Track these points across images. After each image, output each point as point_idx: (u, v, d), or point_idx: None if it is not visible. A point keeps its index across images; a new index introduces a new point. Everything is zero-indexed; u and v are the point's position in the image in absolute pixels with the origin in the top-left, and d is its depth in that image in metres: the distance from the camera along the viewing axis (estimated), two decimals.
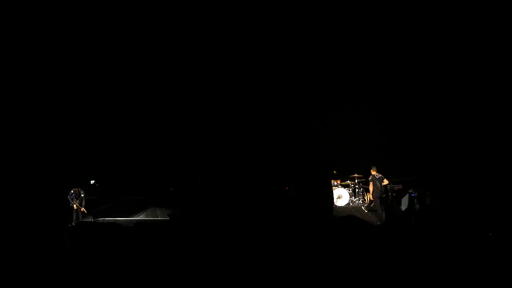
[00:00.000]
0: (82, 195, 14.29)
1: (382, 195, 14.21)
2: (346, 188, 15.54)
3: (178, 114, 16.99)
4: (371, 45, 14.86)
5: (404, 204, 13.90)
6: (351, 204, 15.17)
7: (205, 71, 16.00)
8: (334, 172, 15.55)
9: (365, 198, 14.98)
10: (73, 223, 13.53)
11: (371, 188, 14.25)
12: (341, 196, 15.15)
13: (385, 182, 14.14)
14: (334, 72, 15.78)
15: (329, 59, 15.38)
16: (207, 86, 16.61)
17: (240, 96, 16.55)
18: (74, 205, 14.01)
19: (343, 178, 15.98)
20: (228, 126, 17.13)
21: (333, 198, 14.84)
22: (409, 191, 14.19)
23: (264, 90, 16.31)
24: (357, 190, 15.58)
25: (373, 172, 14.26)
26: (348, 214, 13.66)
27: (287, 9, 14.33)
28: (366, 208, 14.46)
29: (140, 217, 15.94)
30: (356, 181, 15.63)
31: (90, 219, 14.42)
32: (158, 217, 15.89)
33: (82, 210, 14.14)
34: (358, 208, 14.69)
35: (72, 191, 14.18)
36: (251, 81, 16.09)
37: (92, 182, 17.38)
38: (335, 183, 15.66)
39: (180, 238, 7.74)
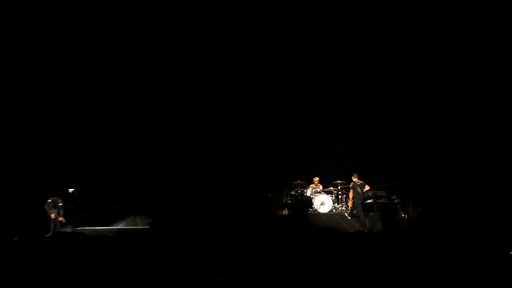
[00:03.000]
0: (60, 204, 13.82)
1: (364, 201, 14.41)
2: (329, 195, 15.69)
3: (160, 120, 16.72)
4: (358, 52, 14.92)
5: None
6: (334, 210, 15.44)
7: (185, 77, 16.13)
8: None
9: (348, 204, 14.91)
10: (50, 233, 12.92)
11: (350, 195, 14.63)
12: (324, 203, 15.31)
13: (367, 188, 14.44)
14: (319, 77, 15.77)
15: (315, 65, 15.49)
16: (188, 92, 16.32)
17: (222, 101, 16.45)
18: (52, 215, 13.45)
19: (326, 184, 16.06)
20: (211, 131, 16.86)
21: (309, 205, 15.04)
22: (392, 197, 14.04)
23: (248, 95, 16.22)
24: (340, 196, 15.76)
25: (354, 179, 14.66)
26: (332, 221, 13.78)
27: (266, 14, 14.24)
28: (349, 214, 14.62)
29: (120, 226, 15.52)
30: (339, 187, 15.83)
31: (69, 229, 13.84)
32: (139, 226, 15.49)
33: (60, 219, 13.61)
34: (341, 215, 14.91)
35: (49, 200, 13.67)
36: (234, 84, 16.00)
37: (70, 190, 16.77)
38: (318, 189, 15.46)
39: (161, 248, 7.62)
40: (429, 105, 15.68)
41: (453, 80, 14.91)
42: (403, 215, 13.81)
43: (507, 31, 13.37)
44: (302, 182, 15.83)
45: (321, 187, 15.84)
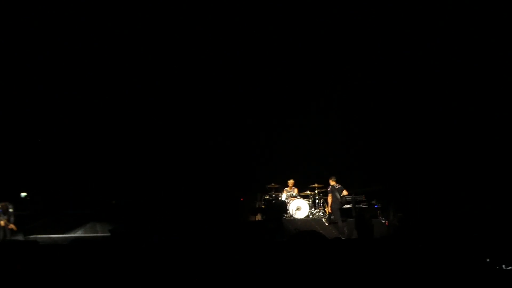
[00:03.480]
0: (11, 210, 13.44)
1: (342, 206, 14.39)
2: (306, 199, 15.55)
3: (121, 120, 16.55)
4: (338, 53, 15.51)
5: None
6: (310, 216, 15.24)
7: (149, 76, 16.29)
8: None
9: (326, 210, 15.08)
10: None
11: (329, 199, 14.44)
12: (300, 208, 15.15)
13: (345, 193, 14.43)
14: (294, 75, 16.29)
15: (290, 63, 15.95)
16: (153, 92, 16.59)
17: (193, 101, 16.66)
18: (1, 222, 13.10)
19: (303, 188, 15.99)
20: (177, 130, 16.96)
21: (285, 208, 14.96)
22: (372, 202, 14.22)
23: (219, 93, 16.65)
24: (317, 201, 15.61)
25: (332, 183, 14.52)
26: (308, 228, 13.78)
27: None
28: (326, 220, 14.59)
29: (78, 234, 15.25)
30: (316, 191, 15.66)
31: (20, 237, 13.52)
32: (98, 233, 15.26)
33: (10, 227, 13.25)
34: (318, 221, 14.70)
35: None
36: (207, 82, 16.43)
37: (23, 195, 16.39)
38: (293, 193, 15.60)
39: (124, 257, 7.46)
40: (410, 106, 15.90)
41: (434, 80, 15.19)
42: (383, 221, 13.89)
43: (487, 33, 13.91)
44: (276, 186, 15.74)
45: (296, 190, 15.74)
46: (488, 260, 7.33)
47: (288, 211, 15.03)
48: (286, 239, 12.26)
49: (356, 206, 14.40)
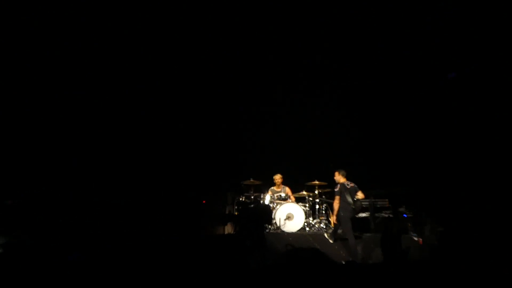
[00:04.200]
0: None
1: (356, 215, 13.73)
2: (301, 204, 15.24)
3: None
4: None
5: None
6: (307, 229, 14.93)
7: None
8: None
9: (331, 219, 14.74)
10: None
11: (336, 204, 13.66)
12: (292, 216, 14.73)
13: (360, 195, 13.72)
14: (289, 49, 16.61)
15: (288, 38, 16.32)
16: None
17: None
18: None
19: (296, 187, 15.85)
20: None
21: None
22: (400, 209, 14.08)
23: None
24: (317, 206, 15.47)
25: (341, 180, 13.81)
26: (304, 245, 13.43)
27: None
28: (331, 236, 14.02)
29: None
30: (316, 192, 15.56)
31: None
32: None
33: None
34: (318, 236, 14.16)
35: None
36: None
37: None
38: (283, 194, 15.56)
39: (23, 282, 7.52)
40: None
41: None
42: (416, 238, 13.38)
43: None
44: (257, 182, 15.69)
45: (288, 190, 15.66)
46: None
47: (273, 221, 14.62)
48: (271, 261, 11.78)
49: (376, 215, 14.11)
